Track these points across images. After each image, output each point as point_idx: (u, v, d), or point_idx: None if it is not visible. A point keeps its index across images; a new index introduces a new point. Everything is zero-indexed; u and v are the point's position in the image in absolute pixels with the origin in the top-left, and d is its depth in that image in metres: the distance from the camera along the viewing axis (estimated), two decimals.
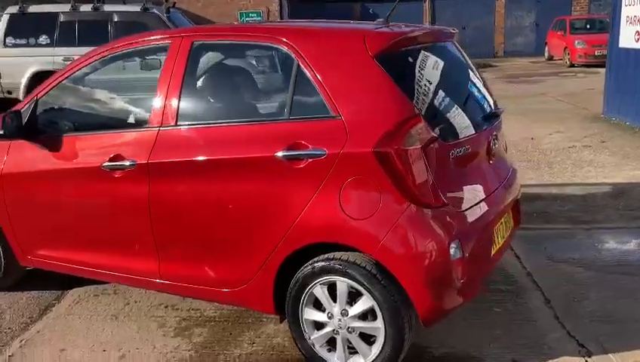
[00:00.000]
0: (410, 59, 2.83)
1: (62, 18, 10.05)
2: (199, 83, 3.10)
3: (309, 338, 2.84)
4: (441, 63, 2.92)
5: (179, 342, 3.22)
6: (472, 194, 2.85)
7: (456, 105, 2.85)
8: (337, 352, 2.80)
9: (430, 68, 2.85)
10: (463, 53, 3.37)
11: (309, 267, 2.74)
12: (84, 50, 4.09)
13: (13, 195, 3.57)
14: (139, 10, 10.02)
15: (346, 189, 2.62)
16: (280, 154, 2.71)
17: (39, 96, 3.48)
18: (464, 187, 2.81)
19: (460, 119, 2.85)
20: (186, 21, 11.58)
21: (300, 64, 2.76)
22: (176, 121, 3.02)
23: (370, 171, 2.57)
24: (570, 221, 4.81)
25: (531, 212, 5.03)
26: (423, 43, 2.96)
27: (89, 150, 3.29)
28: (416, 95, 2.71)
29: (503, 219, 3.13)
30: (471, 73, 3.26)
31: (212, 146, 2.92)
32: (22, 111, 3.41)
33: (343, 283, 2.69)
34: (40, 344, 3.28)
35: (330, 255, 2.69)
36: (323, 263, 2.70)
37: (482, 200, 2.89)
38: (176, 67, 3.06)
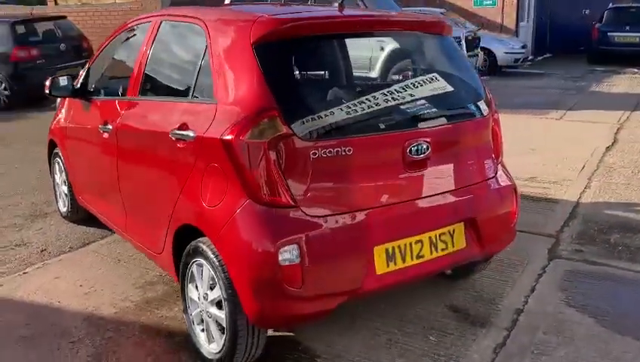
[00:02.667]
0: (301, 48, 2.64)
1: None
2: (156, 60, 3.33)
3: (191, 314, 2.92)
4: (349, 55, 2.65)
5: (134, 293, 3.58)
6: (344, 200, 2.53)
7: (345, 102, 2.56)
8: (205, 333, 2.84)
9: (328, 59, 2.62)
10: (434, 44, 2.95)
11: (188, 247, 2.81)
12: None
13: (69, 145, 4.32)
14: None
15: (205, 175, 2.62)
16: (171, 132, 2.82)
17: (90, 64, 4.12)
18: (334, 192, 2.53)
19: (343, 117, 2.53)
20: (391, 3, 11.48)
21: (207, 47, 2.81)
22: (138, 93, 3.33)
23: (220, 160, 2.53)
24: None
25: (616, 244, 4.13)
26: (335, 30, 2.72)
27: (96, 113, 3.81)
28: (289, 87, 2.54)
29: (426, 237, 2.73)
30: (419, 68, 2.84)
31: (143, 118, 3.21)
32: (74, 75, 4.11)
33: (207, 268, 2.71)
34: (50, 269, 3.95)
35: (200, 238, 2.73)
36: (194, 245, 2.75)
37: (364, 209, 2.57)
38: (147, 44, 3.36)
